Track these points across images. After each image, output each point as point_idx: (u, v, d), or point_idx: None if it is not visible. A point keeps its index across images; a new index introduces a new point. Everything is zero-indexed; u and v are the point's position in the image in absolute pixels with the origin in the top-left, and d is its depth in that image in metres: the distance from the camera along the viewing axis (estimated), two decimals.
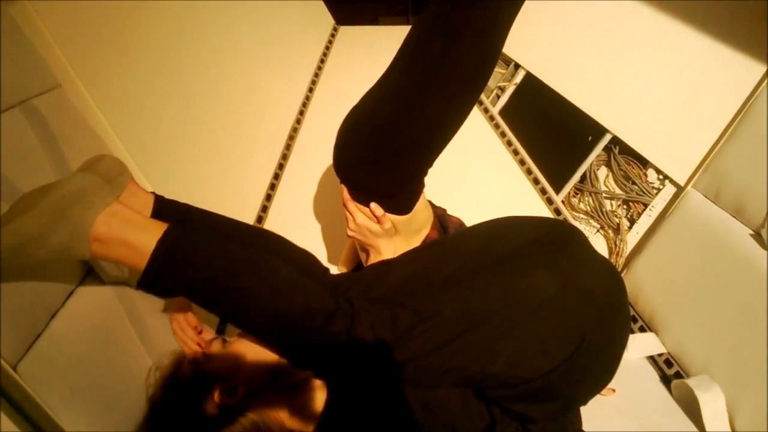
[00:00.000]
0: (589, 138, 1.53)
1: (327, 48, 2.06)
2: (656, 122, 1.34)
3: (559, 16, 1.64)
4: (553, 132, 1.70)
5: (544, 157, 1.62)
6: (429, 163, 0.91)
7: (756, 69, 1.12)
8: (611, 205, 1.52)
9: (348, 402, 0.81)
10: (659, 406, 1.06)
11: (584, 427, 0.88)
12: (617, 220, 1.48)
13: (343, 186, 0.94)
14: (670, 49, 1.32)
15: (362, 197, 0.92)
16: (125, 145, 1.18)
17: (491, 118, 1.74)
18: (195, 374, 0.87)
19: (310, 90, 1.86)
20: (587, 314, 0.81)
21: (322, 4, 2.17)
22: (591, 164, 1.54)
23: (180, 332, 0.95)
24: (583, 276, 0.85)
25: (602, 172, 1.55)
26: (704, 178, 1.19)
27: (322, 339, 0.76)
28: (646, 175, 1.39)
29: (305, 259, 0.99)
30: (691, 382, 1.02)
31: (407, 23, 2.84)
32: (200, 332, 0.96)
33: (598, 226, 1.55)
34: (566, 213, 1.52)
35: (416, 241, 1.01)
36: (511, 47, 1.77)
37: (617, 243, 1.45)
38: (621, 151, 1.46)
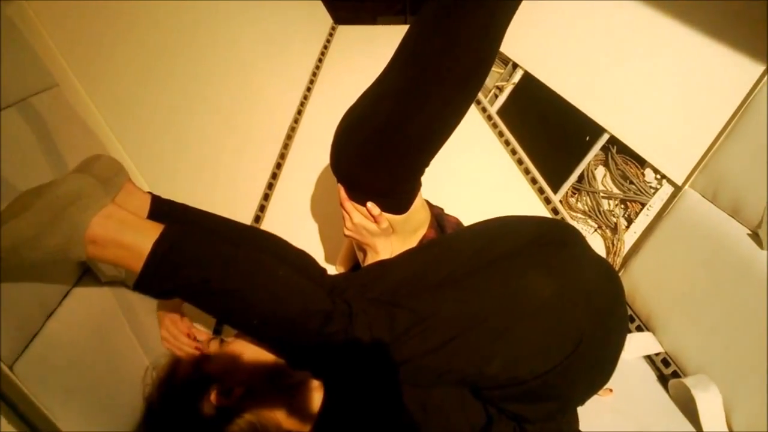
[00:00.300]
0: (587, 137, 1.53)
1: (325, 47, 2.06)
2: (654, 122, 1.34)
3: (557, 16, 1.65)
4: (551, 131, 1.70)
5: (542, 157, 1.62)
6: (426, 162, 0.91)
7: (754, 69, 1.12)
8: (609, 204, 1.52)
9: (345, 402, 0.81)
10: (656, 405, 1.07)
11: (581, 427, 0.88)
12: (614, 219, 1.48)
13: (340, 185, 0.94)
14: (668, 48, 1.32)
15: (359, 197, 0.92)
16: (122, 145, 1.17)
17: (489, 118, 1.75)
18: (192, 375, 0.87)
19: (308, 89, 1.86)
20: (585, 315, 0.81)
21: (321, 3, 2.17)
22: (588, 164, 1.54)
23: (171, 339, 0.94)
24: (580, 276, 0.85)
25: (600, 171, 1.55)
26: (702, 178, 1.19)
27: (320, 340, 0.76)
28: (643, 175, 1.39)
29: (302, 259, 0.99)
30: (688, 381, 1.02)
31: (405, 23, 2.84)
32: (193, 338, 0.94)
33: (596, 226, 1.55)
34: (564, 212, 1.52)
35: (413, 241, 1.01)
36: (508, 46, 1.78)
37: (614, 242, 1.45)
38: (618, 151, 1.46)
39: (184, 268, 0.72)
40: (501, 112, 1.80)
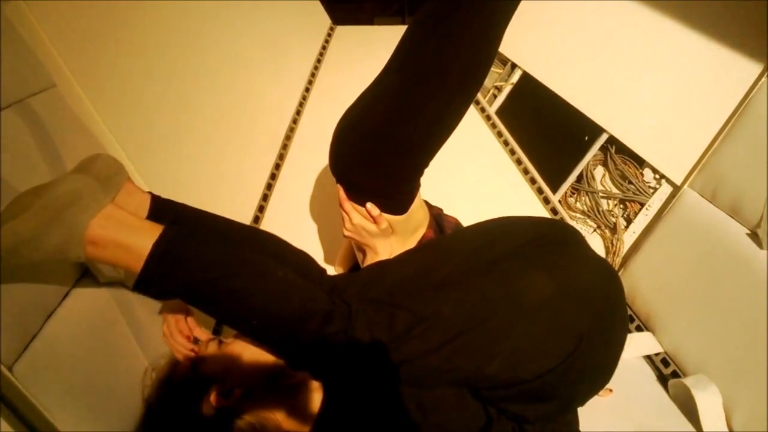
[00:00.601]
0: (586, 137, 1.53)
1: (323, 48, 2.06)
2: (653, 122, 1.34)
3: (556, 16, 1.65)
4: (550, 132, 1.70)
5: (541, 157, 1.62)
6: (425, 163, 0.91)
7: (753, 69, 1.13)
8: (608, 204, 1.53)
9: (344, 403, 0.80)
10: (656, 405, 1.07)
11: (581, 427, 0.88)
12: (614, 219, 1.48)
13: (339, 186, 0.94)
14: (667, 48, 1.32)
15: (358, 197, 0.92)
16: (121, 145, 1.18)
17: (488, 118, 1.75)
18: (191, 375, 0.87)
19: (307, 90, 1.86)
20: (585, 315, 0.81)
21: (319, 3, 2.17)
22: (587, 164, 1.54)
23: (168, 336, 0.94)
24: (580, 276, 0.84)
25: (599, 171, 1.55)
26: (701, 178, 1.20)
27: (319, 340, 0.76)
28: (642, 175, 1.39)
29: (302, 259, 0.99)
30: (688, 381, 1.02)
31: (403, 23, 2.84)
32: (194, 341, 0.94)
33: (595, 226, 1.55)
34: (563, 213, 1.52)
35: (413, 241, 1.01)
36: (507, 47, 1.78)
37: (614, 242, 1.45)
38: (617, 151, 1.46)
39: (184, 268, 0.72)
40: (500, 112, 1.80)
